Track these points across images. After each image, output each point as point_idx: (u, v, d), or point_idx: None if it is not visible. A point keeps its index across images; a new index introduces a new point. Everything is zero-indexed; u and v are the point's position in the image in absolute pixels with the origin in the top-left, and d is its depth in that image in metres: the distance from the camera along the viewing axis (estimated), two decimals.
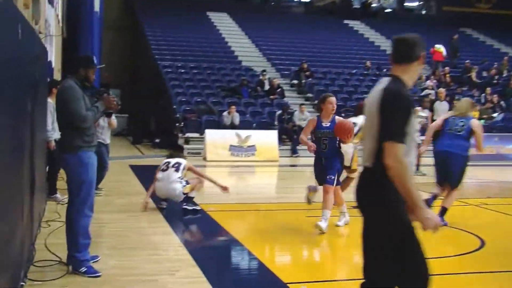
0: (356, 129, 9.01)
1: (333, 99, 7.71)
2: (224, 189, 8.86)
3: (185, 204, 8.74)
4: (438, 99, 16.50)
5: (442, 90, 16.86)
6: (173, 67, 24.16)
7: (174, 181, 8.65)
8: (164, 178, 8.75)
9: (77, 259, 5.41)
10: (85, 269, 5.37)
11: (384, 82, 3.57)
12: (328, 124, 7.57)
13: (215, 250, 6.84)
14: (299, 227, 7.68)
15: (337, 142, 7.61)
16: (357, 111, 9.63)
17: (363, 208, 3.58)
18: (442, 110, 16.18)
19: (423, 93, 24.29)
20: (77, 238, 5.44)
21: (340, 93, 23.70)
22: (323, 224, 7.37)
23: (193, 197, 8.80)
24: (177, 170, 8.78)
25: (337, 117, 7.72)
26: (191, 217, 8.51)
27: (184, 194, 8.66)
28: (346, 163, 9.34)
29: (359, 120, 9.36)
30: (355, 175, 9.52)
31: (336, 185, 7.63)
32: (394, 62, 3.60)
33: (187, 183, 8.72)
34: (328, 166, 7.53)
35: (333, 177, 7.47)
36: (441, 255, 6.45)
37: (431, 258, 6.36)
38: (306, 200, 8.55)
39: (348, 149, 9.18)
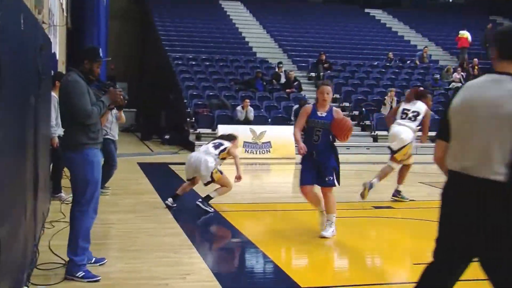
0: (420, 117, 9.68)
1: (325, 88, 7.30)
2: (238, 178, 8.87)
3: (200, 200, 8.77)
4: None
5: None
6: (184, 59, 24.19)
7: (209, 154, 8.78)
8: (201, 150, 8.99)
9: (75, 263, 5.37)
10: (83, 274, 5.33)
11: (504, 81, 3.31)
12: (324, 115, 7.21)
13: (228, 253, 6.84)
14: (317, 228, 7.65)
15: (331, 135, 7.25)
16: (412, 97, 9.86)
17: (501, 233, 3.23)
18: None
19: (449, 87, 24.19)
20: (77, 240, 5.41)
21: (361, 87, 23.63)
22: (328, 234, 7.30)
23: (211, 198, 8.82)
24: (216, 147, 8.91)
25: (335, 108, 7.42)
26: (203, 217, 8.52)
27: (211, 178, 8.70)
28: (394, 146, 9.71)
29: (418, 107, 9.50)
30: (396, 166, 9.93)
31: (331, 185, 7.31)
32: (505, 58, 3.37)
33: (221, 173, 8.80)
34: (322, 164, 7.20)
35: (332, 178, 7.23)
36: None
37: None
38: (361, 197, 9.22)
39: (406, 134, 9.43)
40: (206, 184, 8.78)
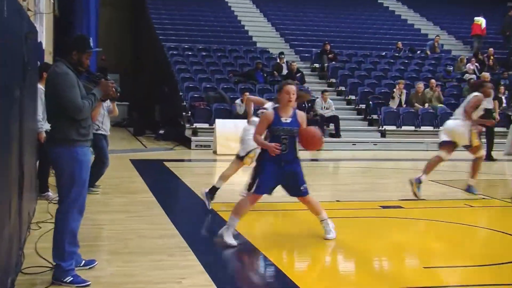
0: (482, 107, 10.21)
1: (291, 87, 6.91)
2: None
3: (206, 191, 8.87)
4: None
5: (486, 75, 16.63)
6: (180, 49, 24.18)
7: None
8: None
9: (63, 268, 5.32)
10: (71, 279, 5.28)
11: None
12: (289, 120, 6.87)
13: (226, 255, 6.84)
14: (320, 229, 7.64)
15: (297, 142, 7.00)
16: (475, 88, 10.63)
17: None
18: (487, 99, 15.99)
19: (463, 78, 24.16)
20: (63, 244, 5.35)
21: (368, 78, 23.63)
22: (331, 235, 7.26)
23: (218, 189, 8.90)
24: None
25: (298, 112, 7.03)
26: (199, 218, 8.52)
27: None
28: (463, 142, 10.12)
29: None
30: (482, 153, 10.41)
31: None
32: None
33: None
34: (292, 174, 6.98)
35: (305, 186, 7.09)
36: (488, 262, 6.39)
37: (481, 265, 6.34)
38: (414, 195, 9.65)
39: (460, 127, 9.64)
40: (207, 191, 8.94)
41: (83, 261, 5.75)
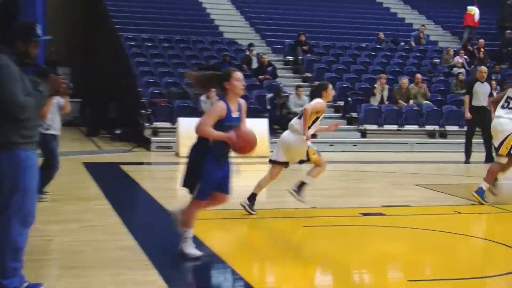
0: None
1: (240, 74, 6.75)
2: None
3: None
4: (478, 80, 16.47)
5: (484, 69, 16.76)
6: (138, 39, 24.09)
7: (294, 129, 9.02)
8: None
9: (4, 287, 5.19)
10: None
11: None
12: (238, 115, 6.76)
13: (190, 269, 6.82)
14: (296, 239, 7.68)
15: None
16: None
17: None
18: (483, 93, 16.22)
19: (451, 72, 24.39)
20: (4, 259, 5.20)
21: (347, 72, 23.76)
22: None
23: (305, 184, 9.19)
24: (300, 117, 9.04)
25: (243, 103, 6.85)
26: (160, 227, 8.48)
27: (307, 156, 9.00)
28: (496, 143, 10.30)
29: None
30: (505, 160, 10.23)
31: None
32: None
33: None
34: (229, 174, 6.89)
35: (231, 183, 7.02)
36: (479, 274, 6.47)
37: (471, 278, 6.39)
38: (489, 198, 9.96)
39: (504, 126, 9.74)
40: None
41: (27, 283, 5.43)
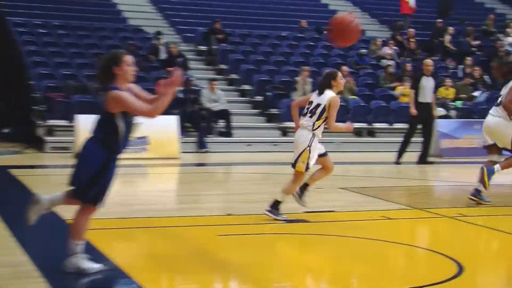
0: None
1: (130, 57, 6.43)
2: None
3: (268, 210, 9.12)
4: (424, 74, 16.76)
5: (429, 62, 17.11)
6: (30, 25, 23.75)
7: (303, 127, 9.09)
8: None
9: None
10: None
11: None
12: None
13: (90, 284, 6.72)
14: (209, 249, 7.65)
15: None
16: (499, 75, 10.56)
17: None
18: (429, 88, 16.58)
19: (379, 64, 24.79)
20: None
21: (266, 64, 23.91)
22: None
23: (280, 203, 9.15)
24: (312, 115, 9.01)
25: (133, 87, 6.53)
26: (55, 239, 8.33)
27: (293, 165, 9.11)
28: (499, 144, 10.63)
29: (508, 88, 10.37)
30: None
31: None
32: None
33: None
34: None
35: None
36: (412, 284, 6.56)
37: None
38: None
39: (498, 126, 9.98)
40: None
41: None
